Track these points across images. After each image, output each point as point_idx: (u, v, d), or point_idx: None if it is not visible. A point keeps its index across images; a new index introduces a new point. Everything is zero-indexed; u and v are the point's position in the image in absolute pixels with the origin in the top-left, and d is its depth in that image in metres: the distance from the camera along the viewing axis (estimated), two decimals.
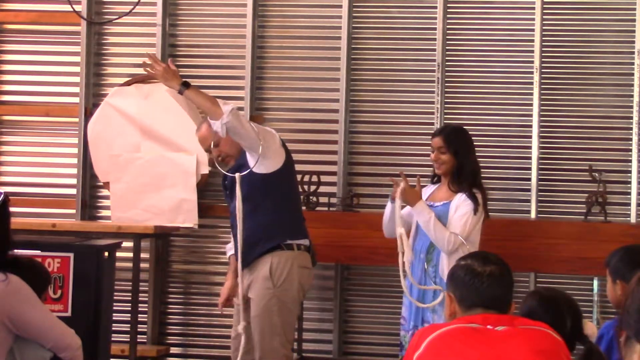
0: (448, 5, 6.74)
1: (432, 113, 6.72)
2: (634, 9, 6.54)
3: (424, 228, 5.27)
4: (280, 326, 5.32)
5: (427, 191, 5.54)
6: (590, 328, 3.78)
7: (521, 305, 3.75)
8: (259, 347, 5.33)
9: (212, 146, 5.44)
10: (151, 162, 6.82)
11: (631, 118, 6.53)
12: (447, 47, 6.74)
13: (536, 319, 3.46)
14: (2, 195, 4.16)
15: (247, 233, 5.33)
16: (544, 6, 6.63)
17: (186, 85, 5.11)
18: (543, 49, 6.62)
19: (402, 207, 5.39)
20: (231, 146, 5.39)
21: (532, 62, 6.62)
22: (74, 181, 7.09)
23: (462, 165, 5.45)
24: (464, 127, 5.75)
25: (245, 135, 5.15)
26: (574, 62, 6.65)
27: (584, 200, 6.40)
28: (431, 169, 5.69)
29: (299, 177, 6.52)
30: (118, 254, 6.07)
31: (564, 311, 3.71)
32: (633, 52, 6.53)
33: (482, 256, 3.46)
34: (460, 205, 5.35)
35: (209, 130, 5.37)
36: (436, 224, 5.24)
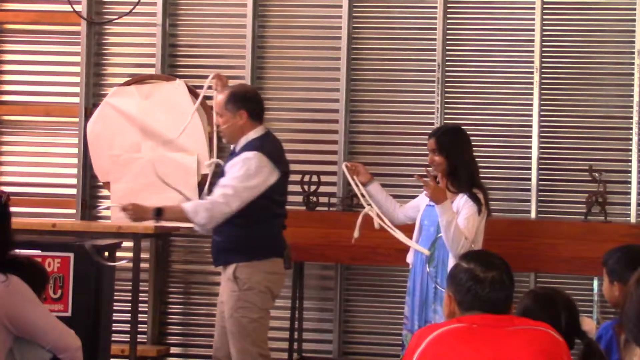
0: (448, 5, 6.74)
1: (432, 113, 6.72)
2: (634, 9, 6.54)
3: (444, 227, 5.23)
4: (250, 328, 5.36)
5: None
6: (588, 324, 3.78)
7: (517, 306, 3.74)
8: (232, 349, 5.39)
9: (216, 114, 5.58)
10: (151, 162, 6.81)
11: (631, 118, 6.53)
12: (447, 47, 6.74)
13: (532, 317, 3.46)
14: (3, 196, 4.16)
15: (220, 237, 5.45)
16: (544, 6, 6.63)
17: (158, 212, 5.28)
18: (543, 49, 6.62)
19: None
20: (227, 127, 5.48)
21: (532, 62, 6.62)
22: (74, 181, 7.09)
23: (456, 166, 5.43)
24: (460, 127, 5.71)
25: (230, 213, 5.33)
26: (574, 62, 6.65)
27: (584, 200, 6.40)
28: (431, 168, 5.69)
29: (298, 177, 6.53)
30: (118, 254, 6.08)
31: (559, 307, 3.71)
32: (633, 52, 6.53)
33: (485, 259, 3.41)
34: (463, 208, 5.33)
35: (222, 97, 5.53)
36: (457, 226, 5.21)
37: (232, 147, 5.63)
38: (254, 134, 5.46)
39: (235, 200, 5.28)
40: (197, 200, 5.36)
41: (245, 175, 5.28)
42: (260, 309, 5.39)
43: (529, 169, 6.61)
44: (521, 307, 3.74)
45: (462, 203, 5.34)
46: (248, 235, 5.35)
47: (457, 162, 5.42)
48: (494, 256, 3.46)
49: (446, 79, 6.73)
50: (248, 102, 5.49)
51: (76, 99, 7.09)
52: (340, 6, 6.84)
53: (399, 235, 5.38)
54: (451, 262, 5.25)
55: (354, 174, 5.67)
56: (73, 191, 7.10)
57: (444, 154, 5.44)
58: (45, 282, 4.50)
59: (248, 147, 5.39)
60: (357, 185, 5.61)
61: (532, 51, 6.62)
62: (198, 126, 6.76)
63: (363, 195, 5.57)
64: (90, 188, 7.12)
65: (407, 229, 5.58)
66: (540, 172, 6.60)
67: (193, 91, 6.88)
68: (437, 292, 5.32)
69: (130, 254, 6.48)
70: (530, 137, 6.60)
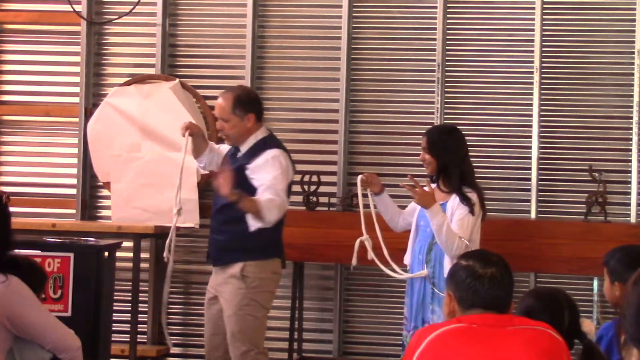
0: (448, 5, 6.74)
1: (432, 113, 6.72)
2: (634, 9, 6.54)
3: (435, 231, 5.24)
4: (252, 327, 5.40)
5: None
6: (588, 325, 3.78)
7: (518, 305, 3.74)
8: (231, 346, 5.42)
9: (220, 119, 5.58)
10: (151, 162, 6.82)
11: (631, 118, 6.53)
12: (447, 47, 6.74)
13: (535, 316, 3.46)
14: (3, 196, 4.17)
15: (224, 237, 5.51)
16: (544, 6, 6.63)
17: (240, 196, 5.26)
18: (543, 49, 6.62)
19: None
20: (235, 131, 5.51)
21: (532, 62, 6.62)
22: (74, 181, 7.09)
23: (446, 166, 5.42)
24: (455, 127, 5.69)
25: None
26: (574, 62, 6.65)
27: (584, 200, 6.40)
28: (417, 174, 5.68)
29: (298, 177, 6.53)
30: (118, 254, 6.08)
31: (562, 307, 3.71)
32: (633, 52, 6.53)
33: (483, 257, 3.44)
34: (456, 209, 5.33)
35: (225, 102, 5.52)
36: (448, 229, 5.21)
37: (230, 146, 5.67)
38: (260, 133, 5.55)
39: (284, 198, 5.39)
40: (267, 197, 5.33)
41: (282, 173, 5.39)
42: (263, 308, 5.46)
43: (529, 169, 6.61)
44: (523, 305, 3.73)
45: (455, 204, 5.34)
46: (260, 235, 5.38)
47: (447, 162, 5.42)
48: (493, 254, 3.48)
49: (446, 79, 6.73)
50: (254, 105, 5.59)
51: (76, 99, 7.09)
52: (340, 6, 6.84)
53: (395, 273, 5.49)
54: (447, 263, 5.26)
55: (367, 185, 5.69)
56: (73, 191, 7.10)
57: (434, 153, 5.44)
58: (43, 282, 4.50)
59: (264, 145, 5.46)
60: (364, 207, 5.65)
61: (532, 51, 6.62)
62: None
63: (367, 206, 5.64)
64: (90, 188, 7.12)
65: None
66: (540, 172, 6.60)
67: (188, 87, 6.89)
68: (434, 293, 5.33)
69: (130, 254, 6.50)
70: (530, 137, 6.60)
